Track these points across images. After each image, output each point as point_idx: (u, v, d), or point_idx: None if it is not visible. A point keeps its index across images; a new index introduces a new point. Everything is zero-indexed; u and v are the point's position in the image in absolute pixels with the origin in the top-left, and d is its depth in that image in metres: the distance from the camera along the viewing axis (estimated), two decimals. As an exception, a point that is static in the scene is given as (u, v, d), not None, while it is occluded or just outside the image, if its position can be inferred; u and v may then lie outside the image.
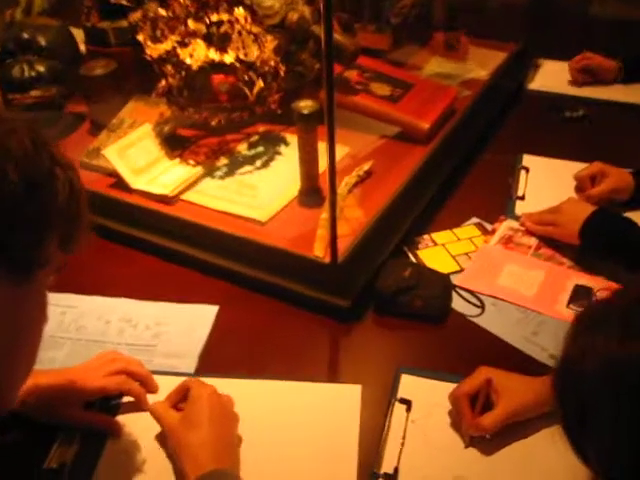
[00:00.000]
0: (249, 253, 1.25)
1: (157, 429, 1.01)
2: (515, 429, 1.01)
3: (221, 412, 0.98)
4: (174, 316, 1.23)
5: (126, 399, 1.07)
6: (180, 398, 1.01)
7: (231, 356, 1.15)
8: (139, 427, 1.04)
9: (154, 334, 1.19)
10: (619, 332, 0.63)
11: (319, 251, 1.21)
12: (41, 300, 0.74)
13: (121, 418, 1.05)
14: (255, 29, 1.39)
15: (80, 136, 1.60)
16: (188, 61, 1.35)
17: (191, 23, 1.37)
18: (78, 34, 1.79)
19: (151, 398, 1.06)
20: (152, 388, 1.08)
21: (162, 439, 1.01)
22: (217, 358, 1.14)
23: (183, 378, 1.06)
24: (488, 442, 1.01)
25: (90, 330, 1.21)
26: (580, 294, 1.25)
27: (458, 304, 1.24)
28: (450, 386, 1.07)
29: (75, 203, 0.73)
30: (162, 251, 1.33)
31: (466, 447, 1.00)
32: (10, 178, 0.65)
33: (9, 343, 0.71)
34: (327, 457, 1.00)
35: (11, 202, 0.65)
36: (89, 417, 1.03)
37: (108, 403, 1.06)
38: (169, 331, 1.20)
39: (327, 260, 1.17)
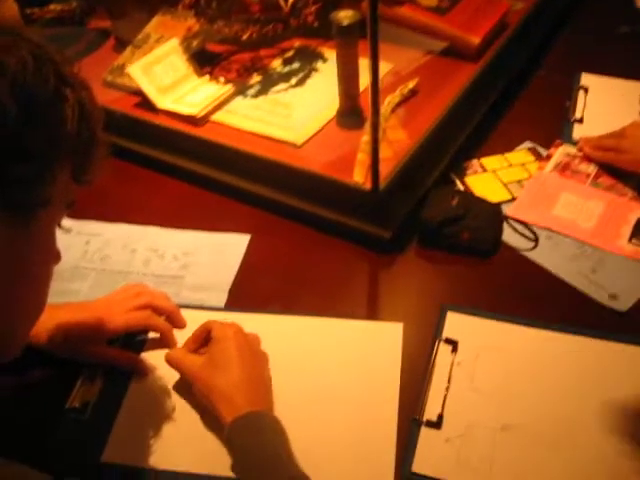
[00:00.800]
0: (283, 178, 1.16)
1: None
2: (569, 379, 0.93)
3: (250, 351, 0.91)
4: (203, 246, 1.15)
5: (151, 335, 1.00)
6: (200, 343, 0.94)
7: (263, 289, 1.07)
8: (166, 365, 0.97)
9: (182, 265, 1.12)
10: None
11: (359, 176, 1.11)
12: (46, 241, 0.66)
13: (146, 355, 0.98)
14: None
15: (104, 53, 1.50)
16: (217, -32, 1.24)
17: None
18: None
19: (178, 335, 0.99)
20: (179, 323, 1.01)
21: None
22: (248, 292, 1.07)
23: (212, 313, 0.99)
24: (539, 391, 0.92)
25: (115, 260, 1.14)
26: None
27: (509, 237, 1.14)
28: (500, 325, 0.99)
29: (87, 129, 0.64)
30: (190, 176, 1.25)
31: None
32: (2, 100, 0.56)
33: (10, 286, 0.64)
34: (365, 400, 0.92)
35: (3, 130, 0.57)
36: (112, 354, 0.97)
37: (132, 339, 1.00)
38: (198, 262, 1.12)
39: (367, 186, 1.08)
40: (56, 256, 0.70)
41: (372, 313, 1.05)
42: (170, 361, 0.93)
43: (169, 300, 1.02)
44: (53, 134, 0.60)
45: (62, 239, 1.17)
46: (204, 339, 0.93)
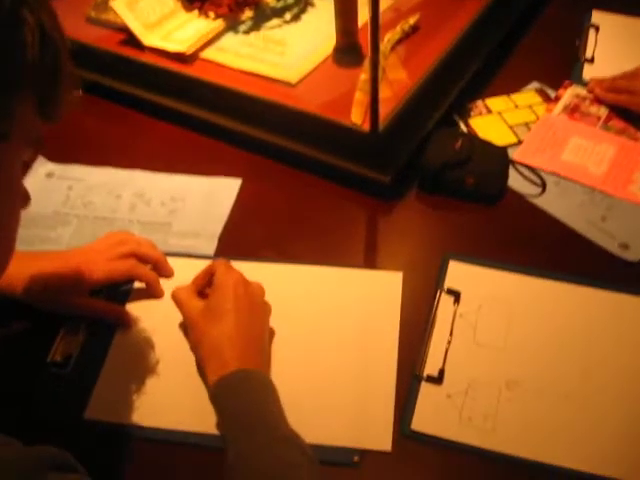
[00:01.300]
0: (277, 119, 1.09)
1: (172, 320, 0.89)
2: (576, 332, 0.88)
3: (249, 303, 0.84)
4: (192, 191, 1.09)
5: (137, 285, 0.95)
6: (206, 282, 0.88)
7: (256, 236, 1.02)
8: (151, 317, 0.92)
9: (169, 211, 1.06)
10: None
11: (357, 117, 1.04)
12: (8, 179, 0.59)
13: (131, 307, 0.93)
14: None
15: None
16: None
17: None
18: None
19: (165, 284, 0.94)
20: (166, 272, 0.95)
21: (178, 331, 0.89)
22: (240, 239, 1.01)
23: (201, 261, 0.93)
24: (546, 344, 0.87)
25: (98, 206, 1.08)
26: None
27: (515, 182, 1.08)
28: (504, 275, 0.94)
29: (51, 57, 0.56)
30: (179, 117, 1.18)
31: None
32: None
33: None
34: (363, 353, 0.87)
35: None
36: (95, 305, 0.92)
37: (116, 290, 0.94)
38: (186, 208, 1.06)
39: (366, 128, 1.01)
40: (23, 198, 0.64)
41: (370, 261, 1.00)
42: (175, 299, 0.88)
43: (155, 248, 0.96)
44: (9, 61, 0.53)
45: (43, 184, 1.12)
46: (209, 281, 0.88)
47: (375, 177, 1.04)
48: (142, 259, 0.94)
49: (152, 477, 0.80)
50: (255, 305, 0.86)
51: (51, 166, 1.15)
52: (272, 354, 0.87)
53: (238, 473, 0.71)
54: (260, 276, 0.89)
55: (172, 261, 0.96)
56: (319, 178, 1.09)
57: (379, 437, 0.80)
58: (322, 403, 0.83)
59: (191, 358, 0.86)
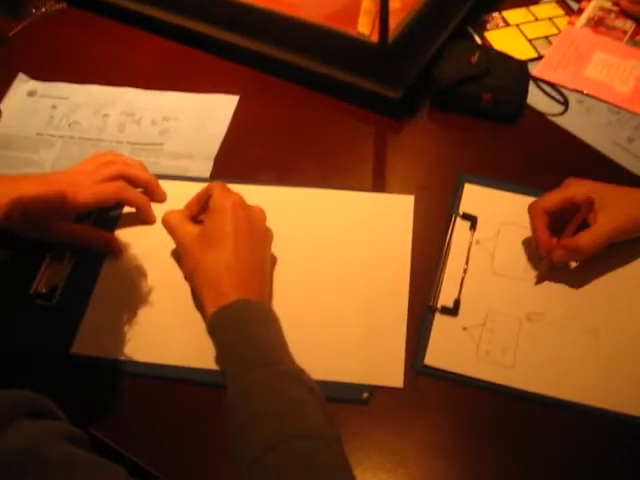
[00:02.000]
0: (277, 30, 1.00)
1: (165, 247, 0.82)
2: (602, 258, 0.80)
3: (248, 227, 0.77)
4: (185, 109, 1.00)
5: (126, 210, 0.88)
6: (201, 207, 0.80)
7: (254, 158, 0.94)
8: (142, 244, 0.85)
9: (161, 130, 0.98)
10: None
11: (364, 27, 0.96)
12: None
13: (120, 233, 0.86)
14: None
15: None
16: None
17: None
18: None
19: (157, 209, 0.87)
20: (157, 195, 0.88)
21: (171, 259, 0.83)
22: (237, 160, 0.93)
23: (196, 184, 0.85)
24: (569, 273, 0.81)
25: (85, 126, 1.00)
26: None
27: (535, 100, 1.00)
28: (523, 199, 0.86)
29: None
30: (170, 30, 1.08)
31: (538, 279, 0.81)
32: None
33: None
34: (372, 284, 0.81)
35: None
36: (81, 232, 0.85)
37: (105, 216, 0.87)
38: (179, 127, 0.98)
39: (374, 38, 0.92)
40: None
41: (379, 184, 0.92)
42: (166, 224, 0.80)
43: (146, 169, 0.89)
44: None
45: (24, 104, 1.04)
46: (205, 204, 0.80)
47: (384, 93, 0.95)
48: (132, 181, 0.86)
49: (145, 415, 0.74)
50: (255, 230, 0.78)
51: (33, 84, 1.06)
52: (274, 284, 0.80)
53: (238, 411, 0.66)
54: (260, 200, 0.81)
55: (164, 184, 0.89)
56: (323, 95, 1.00)
57: (390, 373, 0.75)
58: (329, 337, 0.77)
59: (186, 288, 0.80)
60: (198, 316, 0.78)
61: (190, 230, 0.78)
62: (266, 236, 0.80)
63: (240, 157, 0.94)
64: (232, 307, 0.72)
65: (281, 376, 0.67)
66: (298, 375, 0.68)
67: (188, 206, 0.82)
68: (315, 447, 0.62)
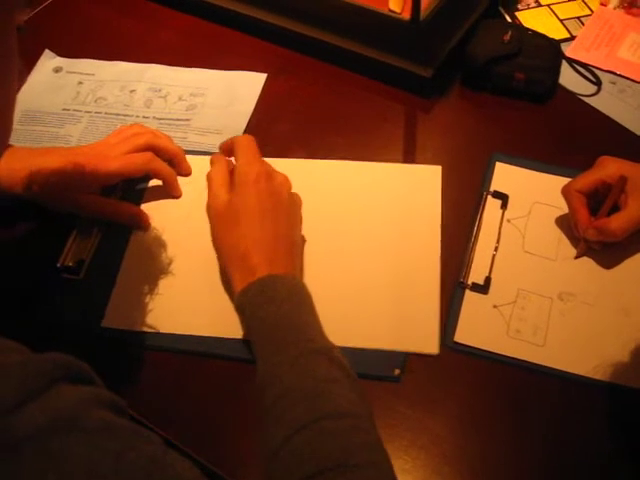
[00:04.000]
0: (306, 7, 0.99)
1: (193, 221, 0.82)
2: (634, 239, 0.79)
3: (273, 201, 0.75)
4: (213, 85, 1.00)
5: (152, 183, 0.87)
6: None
7: (283, 134, 0.93)
8: (169, 217, 0.85)
9: (188, 106, 0.97)
10: None
11: (395, 5, 0.95)
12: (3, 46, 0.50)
13: (147, 207, 0.85)
14: None
15: None
16: None
17: None
18: None
19: (182, 183, 0.86)
20: (184, 169, 0.87)
21: (199, 233, 0.81)
22: (265, 136, 0.91)
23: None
24: (601, 254, 0.80)
25: (111, 102, 0.99)
26: None
27: (567, 80, 0.98)
28: (555, 179, 0.85)
29: None
30: (198, 7, 1.07)
31: (577, 257, 0.79)
32: None
33: None
34: (403, 256, 0.80)
35: None
36: (108, 205, 0.84)
37: (132, 189, 0.87)
38: (206, 103, 0.97)
39: (406, 16, 0.91)
40: (19, 71, 0.54)
41: (409, 161, 0.90)
42: (208, 181, 0.79)
43: (173, 142, 0.88)
44: None
45: (50, 80, 1.03)
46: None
47: (415, 71, 0.94)
48: (159, 152, 0.85)
49: (175, 389, 0.74)
50: (280, 201, 0.76)
51: (59, 60, 1.06)
52: (304, 256, 0.79)
53: (269, 390, 0.64)
54: (288, 173, 0.79)
55: (191, 159, 0.89)
56: (353, 72, 0.99)
57: (425, 339, 0.74)
58: (361, 307, 0.76)
59: (214, 262, 0.79)
60: (224, 290, 0.77)
61: (223, 199, 0.76)
62: (292, 204, 0.78)
63: (268, 134, 0.93)
64: (259, 284, 0.70)
65: (311, 354, 0.66)
66: (329, 352, 0.67)
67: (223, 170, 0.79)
68: (345, 426, 0.61)
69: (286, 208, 0.76)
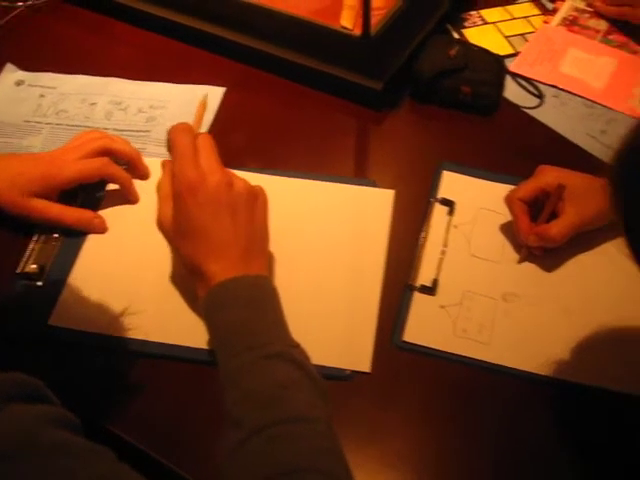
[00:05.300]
0: (263, 24, 1.02)
1: (151, 223, 0.83)
2: (573, 243, 0.83)
3: (213, 208, 0.72)
4: (172, 98, 1.02)
5: (110, 187, 0.89)
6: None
7: (240, 146, 0.96)
8: (126, 222, 0.87)
9: (148, 118, 1.00)
10: None
11: (347, 21, 0.99)
12: None
13: (106, 212, 0.88)
14: None
15: None
16: None
17: None
18: None
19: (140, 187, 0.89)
20: (141, 171, 0.89)
21: (155, 237, 0.83)
22: (222, 148, 0.92)
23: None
24: (543, 257, 0.84)
25: (72, 114, 1.01)
26: (657, 88, 1.04)
27: (512, 93, 1.03)
28: (499, 187, 0.90)
29: None
30: (158, 24, 1.10)
31: (520, 262, 0.84)
32: None
33: None
34: (349, 271, 0.83)
35: None
36: (64, 212, 0.85)
37: (92, 197, 0.89)
38: (165, 115, 1.00)
39: (357, 33, 0.95)
40: None
41: (361, 172, 0.94)
42: (157, 192, 0.76)
43: (130, 145, 0.89)
44: None
45: (12, 93, 1.05)
46: None
47: (366, 85, 0.98)
48: (116, 155, 0.87)
49: (136, 392, 0.76)
50: (229, 201, 0.73)
51: (21, 74, 1.08)
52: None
53: (228, 395, 0.65)
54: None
55: (152, 162, 0.90)
56: (307, 87, 1.03)
57: (359, 358, 0.76)
58: (306, 322, 0.77)
59: (168, 266, 0.81)
60: (178, 293, 0.80)
61: (167, 212, 0.74)
62: (247, 200, 0.74)
63: (225, 146, 0.93)
64: (214, 291, 0.70)
65: (268, 358, 0.66)
66: (288, 354, 0.67)
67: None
68: (301, 430, 0.62)
69: (238, 205, 0.73)
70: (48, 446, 0.47)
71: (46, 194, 0.84)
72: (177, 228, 0.73)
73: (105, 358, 0.77)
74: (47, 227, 0.86)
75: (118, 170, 0.87)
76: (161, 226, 0.75)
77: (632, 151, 0.53)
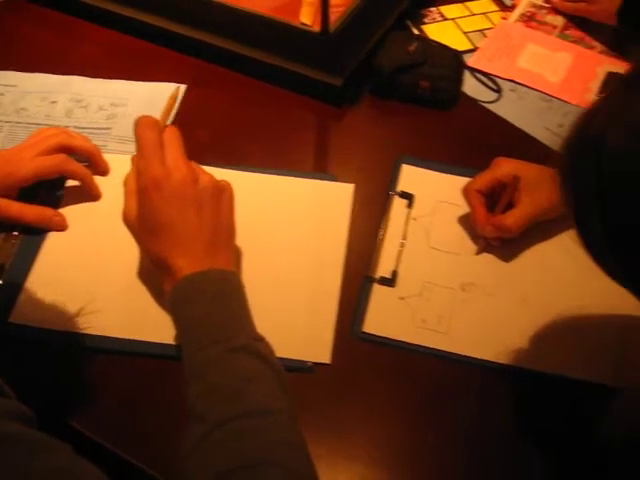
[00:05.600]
0: (223, 21, 1.03)
1: (114, 218, 0.83)
2: (530, 234, 0.85)
3: (178, 203, 0.72)
4: (134, 96, 1.02)
5: (70, 183, 0.89)
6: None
7: (201, 142, 0.96)
8: (90, 217, 0.87)
9: (109, 115, 1.00)
10: None
11: (306, 18, 1.00)
12: None
13: (67, 209, 0.87)
14: None
15: None
16: None
17: None
18: None
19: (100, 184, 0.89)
20: (101, 167, 0.89)
21: (117, 233, 0.83)
22: (185, 144, 0.95)
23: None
24: (500, 248, 0.85)
25: (32, 112, 1.01)
26: (612, 82, 1.06)
27: (471, 88, 1.04)
28: (457, 179, 0.91)
29: None
30: (119, 22, 1.10)
31: (478, 253, 0.85)
32: None
33: None
34: (310, 260, 0.84)
35: None
36: (26, 208, 0.85)
37: (53, 195, 0.89)
38: (126, 112, 1.00)
39: (317, 29, 0.96)
40: None
41: (321, 167, 0.95)
42: (124, 186, 0.75)
43: (89, 141, 0.89)
44: None
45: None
46: None
47: (326, 81, 0.99)
48: (74, 151, 0.87)
49: (100, 389, 0.76)
50: (194, 195, 0.73)
51: (-20, 73, 1.07)
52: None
53: (192, 389, 0.66)
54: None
55: (113, 159, 0.90)
56: (268, 83, 1.04)
57: (319, 349, 0.77)
58: (269, 315, 0.77)
59: (132, 262, 0.81)
60: (141, 289, 0.80)
61: (133, 208, 0.74)
62: (212, 195, 0.74)
63: (187, 142, 0.93)
64: (180, 286, 0.70)
65: (232, 352, 0.66)
66: (252, 347, 0.67)
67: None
68: (262, 423, 0.62)
69: (203, 200, 0.73)
70: (2, 438, 0.47)
71: (5, 192, 0.84)
72: (143, 223, 0.73)
73: (66, 355, 0.77)
74: (7, 225, 0.86)
75: (77, 166, 0.86)
76: (127, 221, 0.75)
77: (579, 140, 0.54)
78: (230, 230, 0.76)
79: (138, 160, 0.74)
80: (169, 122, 0.95)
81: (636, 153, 0.48)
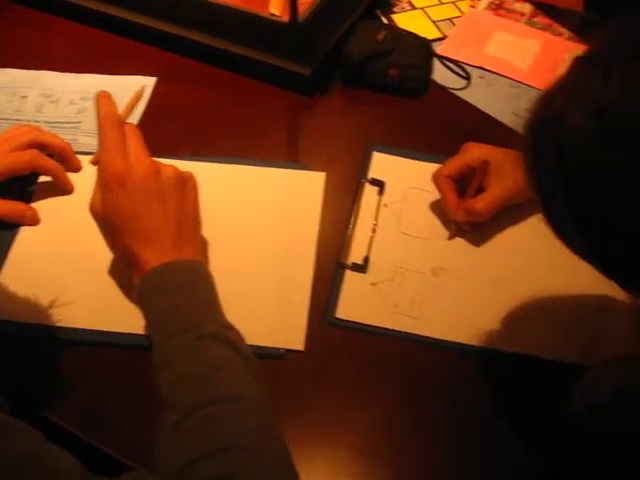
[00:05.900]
0: (192, 13, 1.03)
1: (80, 214, 0.83)
2: (500, 218, 0.86)
3: (148, 190, 0.73)
4: (103, 89, 1.02)
5: (42, 179, 0.89)
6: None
7: (171, 134, 0.97)
8: (62, 212, 0.87)
9: (79, 109, 1.00)
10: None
11: (275, 8, 1.00)
12: None
13: (39, 204, 0.87)
14: None
15: None
16: None
17: None
18: None
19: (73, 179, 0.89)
20: (72, 163, 0.89)
21: (89, 227, 0.83)
22: (155, 137, 0.92)
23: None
24: (471, 232, 0.86)
25: (2, 107, 1.01)
26: (571, 63, 1.07)
27: (440, 76, 1.05)
28: (428, 166, 0.91)
29: None
30: (87, 16, 1.10)
31: (450, 238, 0.86)
32: None
33: None
34: (281, 260, 0.84)
35: None
36: None
37: (25, 190, 0.88)
38: (96, 106, 1.00)
39: (285, 19, 0.96)
40: None
41: (293, 157, 0.96)
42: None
43: (60, 138, 0.89)
44: None
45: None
46: None
47: (296, 70, 0.99)
48: (46, 148, 0.87)
49: (73, 380, 0.76)
50: (158, 188, 0.74)
51: (-52, 69, 1.07)
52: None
53: (162, 377, 0.66)
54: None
55: (82, 158, 0.91)
56: (238, 74, 1.04)
57: (293, 336, 0.78)
58: (241, 304, 0.78)
59: (104, 256, 0.81)
60: (112, 281, 0.81)
61: (98, 202, 0.74)
62: (176, 186, 0.75)
63: (158, 134, 0.95)
64: (147, 277, 0.71)
65: (201, 340, 0.67)
66: (221, 334, 0.68)
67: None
68: (232, 410, 0.63)
69: (167, 192, 0.74)
70: None
71: None
72: (108, 218, 0.73)
73: (38, 347, 0.77)
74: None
75: (49, 161, 0.87)
76: (93, 215, 0.75)
77: (539, 122, 0.54)
78: (195, 220, 0.77)
79: (100, 156, 0.75)
80: (135, 120, 0.96)
81: (595, 132, 0.49)
